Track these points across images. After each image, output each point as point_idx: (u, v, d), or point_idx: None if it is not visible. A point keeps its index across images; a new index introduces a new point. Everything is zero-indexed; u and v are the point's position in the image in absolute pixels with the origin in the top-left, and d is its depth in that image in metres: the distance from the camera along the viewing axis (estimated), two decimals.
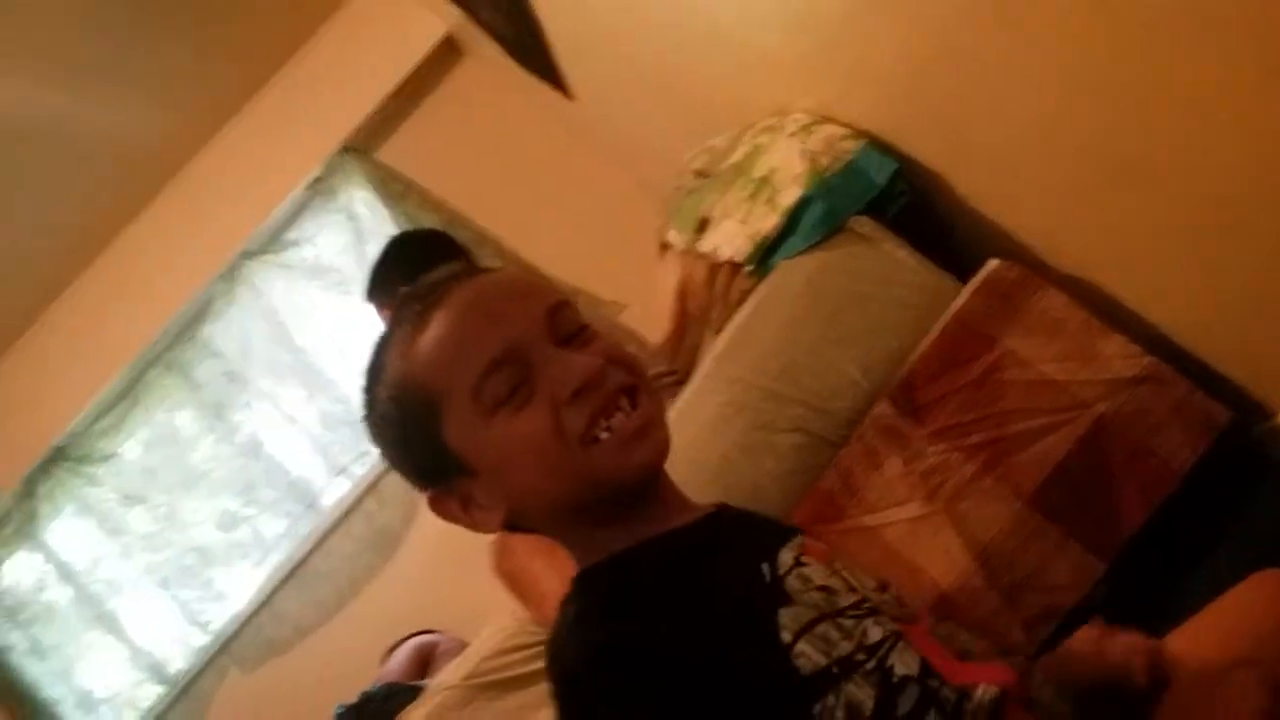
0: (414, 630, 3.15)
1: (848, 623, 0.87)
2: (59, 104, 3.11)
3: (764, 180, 1.81)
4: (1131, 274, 1.53)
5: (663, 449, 0.94)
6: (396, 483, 3.61)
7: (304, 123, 3.71)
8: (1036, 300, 1.55)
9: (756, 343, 1.73)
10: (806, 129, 1.81)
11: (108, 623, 3.69)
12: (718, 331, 1.87)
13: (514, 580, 1.72)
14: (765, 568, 0.91)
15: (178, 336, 3.82)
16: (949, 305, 1.62)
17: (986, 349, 1.57)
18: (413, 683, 2.56)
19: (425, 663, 2.96)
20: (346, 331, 3.64)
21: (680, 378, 2.00)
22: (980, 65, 1.41)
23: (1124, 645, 0.91)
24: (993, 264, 1.59)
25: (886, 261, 1.71)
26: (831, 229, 1.73)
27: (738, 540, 0.98)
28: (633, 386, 0.92)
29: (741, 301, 1.83)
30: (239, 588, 3.69)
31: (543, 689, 1.66)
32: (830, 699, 0.81)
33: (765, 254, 1.78)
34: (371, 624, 3.42)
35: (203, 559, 3.71)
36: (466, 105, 3.79)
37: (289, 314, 3.76)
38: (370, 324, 2.61)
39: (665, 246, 2.11)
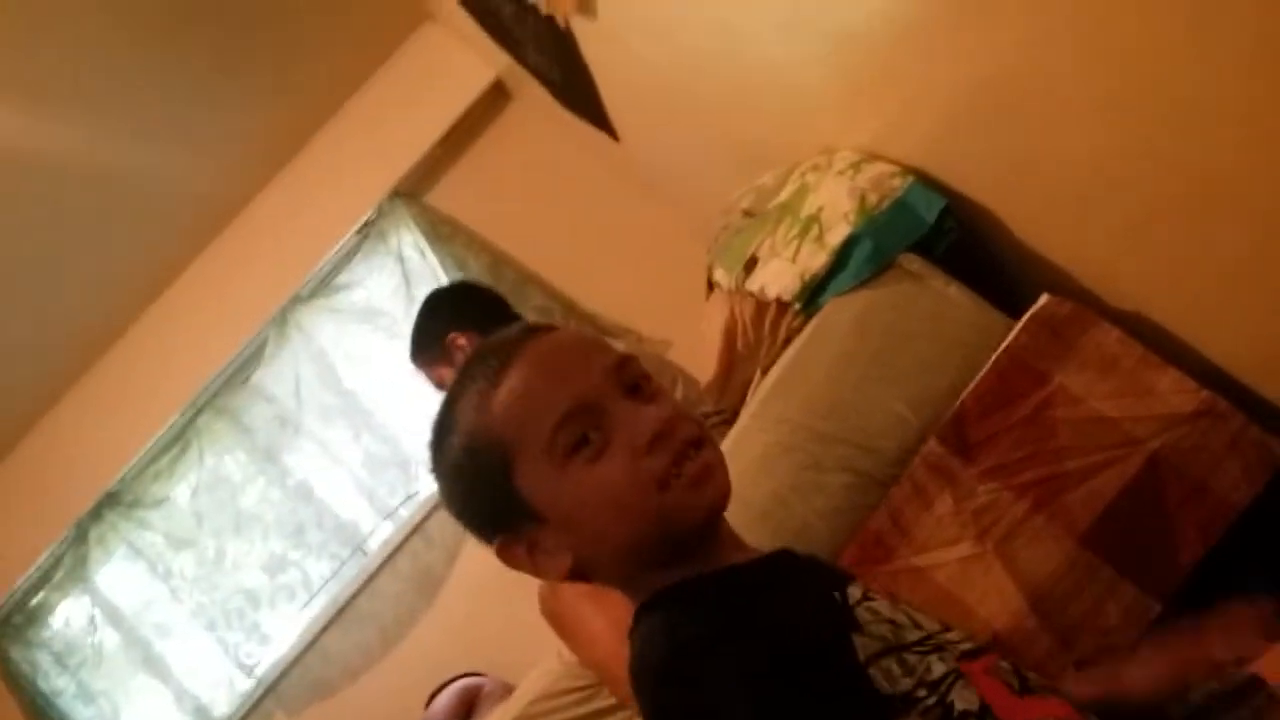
0: (459, 673, 3.14)
1: (912, 658, 0.88)
2: (113, 151, 3.19)
3: (812, 218, 1.81)
4: (1186, 307, 1.51)
5: (728, 489, 0.97)
6: (443, 524, 3.66)
7: (355, 168, 3.77)
8: (1089, 336, 1.54)
9: (804, 382, 1.72)
10: (855, 166, 1.81)
11: (155, 666, 3.70)
12: (765, 370, 1.87)
13: (561, 622, 1.71)
14: (837, 595, 0.93)
15: (229, 381, 3.86)
16: (999, 342, 1.61)
17: (1038, 385, 1.55)
18: None
19: (470, 706, 2.95)
20: (395, 374, 3.67)
21: (727, 417, 2.00)
22: (1031, 98, 1.41)
23: None
24: (1044, 299, 1.58)
25: (936, 299, 1.70)
26: (880, 267, 1.72)
27: (805, 574, 1.00)
28: (700, 438, 0.96)
29: (789, 340, 1.83)
30: (285, 631, 3.70)
31: None
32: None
33: (814, 293, 1.78)
34: (416, 666, 3.41)
35: (250, 601, 3.73)
36: (514, 148, 3.83)
37: (338, 357, 3.79)
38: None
39: (713, 285, 2.11)
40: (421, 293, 3.60)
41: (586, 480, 0.94)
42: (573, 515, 0.96)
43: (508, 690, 2.31)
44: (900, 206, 1.73)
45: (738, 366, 1.96)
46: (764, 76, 1.97)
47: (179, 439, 3.83)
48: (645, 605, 0.99)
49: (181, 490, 3.81)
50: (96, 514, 3.75)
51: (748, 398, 1.85)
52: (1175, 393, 1.47)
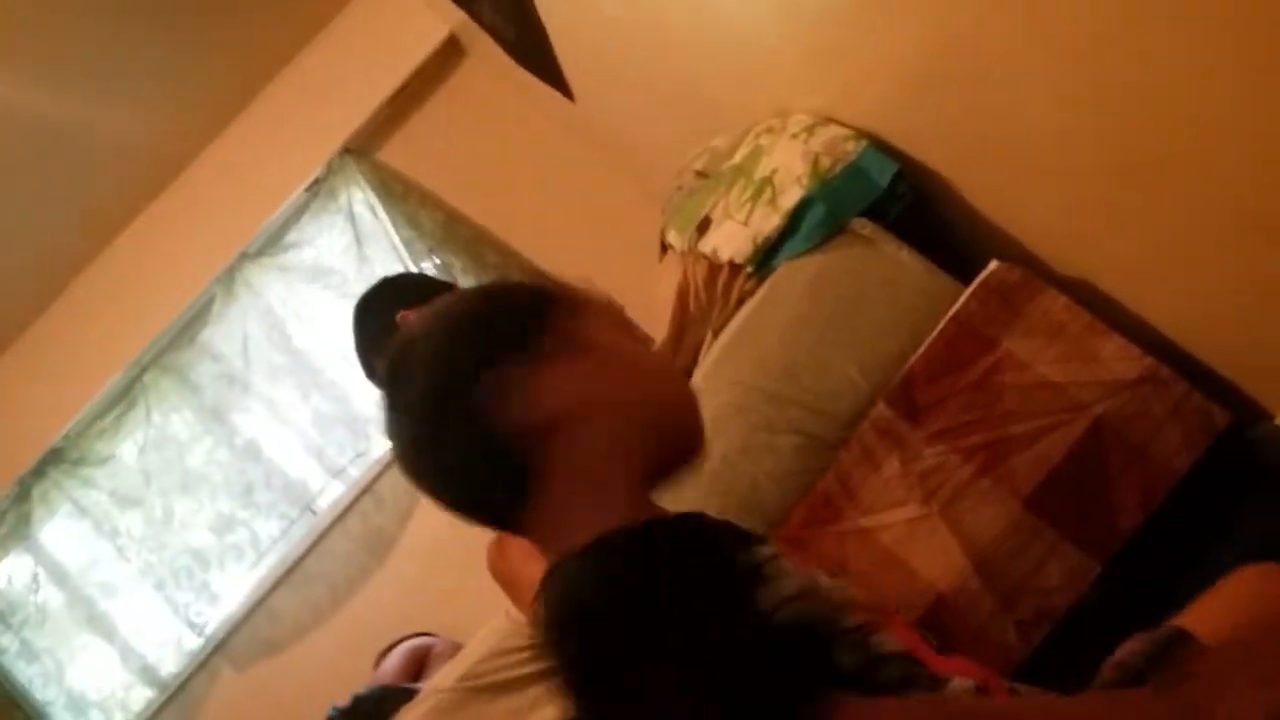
0: (409, 633, 3.14)
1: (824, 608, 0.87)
2: (58, 104, 3.12)
3: (765, 181, 1.81)
4: (1133, 276, 1.52)
5: None
6: (394, 484, 3.65)
7: (305, 124, 3.72)
8: (1037, 302, 1.55)
9: (756, 344, 1.73)
10: (809, 130, 1.81)
11: (100, 624, 3.67)
12: (717, 332, 1.87)
13: (509, 582, 1.71)
14: (743, 557, 0.90)
15: (175, 339, 3.81)
16: (950, 307, 1.62)
17: (986, 351, 1.57)
18: (406, 685, 2.55)
19: (420, 666, 2.95)
20: (345, 333, 3.63)
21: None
22: (986, 66, 1.41)
23: None
24: (994, 266, 1.59)
25: (887, 263, 1.70)
26: (833, 231, 1.72)
27: (722, 529, 0.96)
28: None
29: (741, 303, 1.83)
30: (234, 590, 3.68)
31: (537, 691, 1.66)
32: (813, 657, 0.81)
33: (766, 255, 1.78)
34: (366, 626, 3.42)
35: (198, 561, 3.69)
36: (468, 106, 3.79)
37: (287, 316, 3.75)
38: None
39: (666, 247, 2.11)
40: (372, 251, 3.58)
41: (637, 349, 1.03)
42: (598, 377, 0.96)
43: (457, 650, 2.31)
44: (853, 171, 1.73)
45: (690, 328, 1.96)
46: (720, 37, 1.96)
47: (125, 396, 3.78)
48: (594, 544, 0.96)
49: (128, 448, 3.77)
50: (40, 471, 3.71)
51: (699, 359, 1.85)
52: (1119, 359, 1.49)
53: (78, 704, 3.66)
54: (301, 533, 3.67)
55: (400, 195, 3.68)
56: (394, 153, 3.80)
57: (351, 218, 3.74)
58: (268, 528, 3.68)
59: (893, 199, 1.73)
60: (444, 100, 3.81)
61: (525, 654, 1.71)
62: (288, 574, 3.62)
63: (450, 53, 3.79)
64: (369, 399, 3.63)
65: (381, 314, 2.53)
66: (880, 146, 1.75)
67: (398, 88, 3.72)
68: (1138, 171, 1.32)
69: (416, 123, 3.81)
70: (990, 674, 0.90)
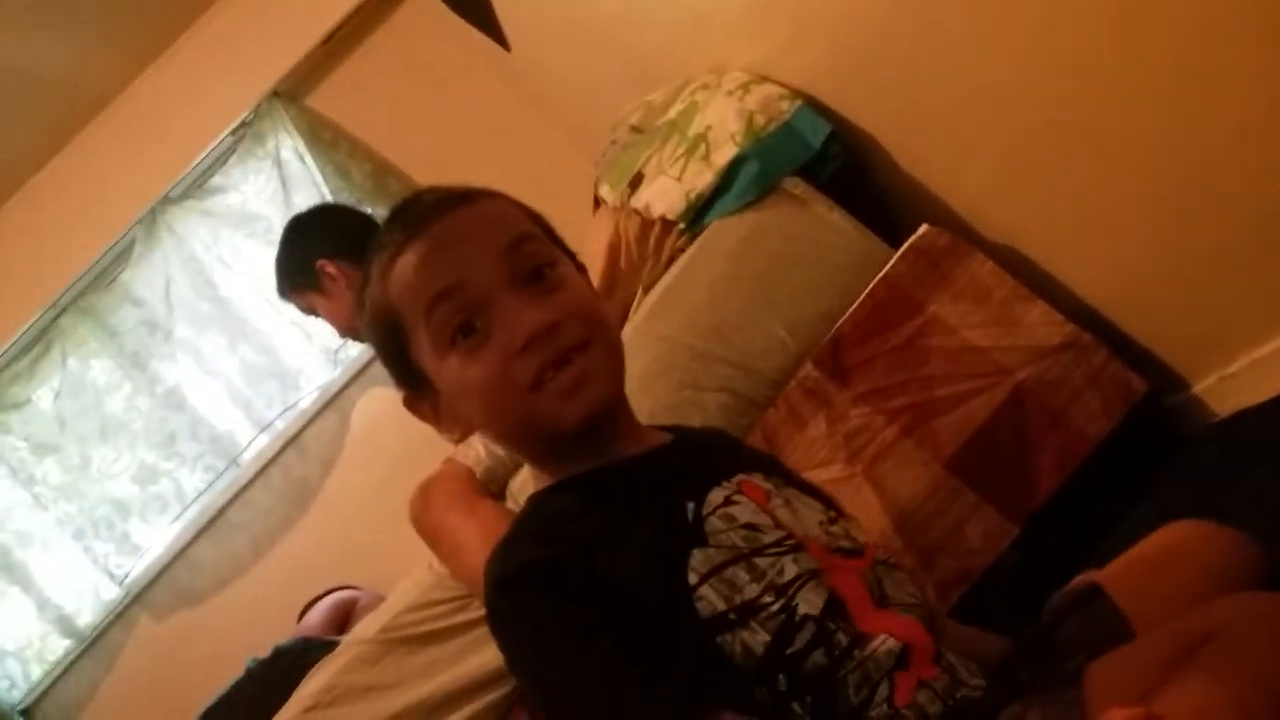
0: (333, 586, 3.11)
1: (763, 561, 0.89)
2: None
3: (699, 137, 1.80)
4: (1059, 243, 1.54)
5: (602, 399, 0.98)
6: (319, 436, 3.59)
7: (233, 65, 3.60)
8: (965, 267, 1.56)
9: (686, 301, 1.72)
10: (744, 87, 1.80)
11: (15, 574, 3.59)
12: (647, 289, 1.86)
13: (432, 534, 1.70)
14: (690, 506, 0.93)
15: (94, 282, 3.71)
16: (879, 269, 1.63)
17: (913, 314, 1.58)
18: (329, 638, 2.53)
19: (345, 619, 2.93)
20: (271, 282, 3.56)
21: None
22: (921, 31, 1.41)
23: None
24: (923, 230, 1.60)
25: (818, 224, 1.71)
26: (765, 189, 1.72)
27: (674, 476, 0.99)
28: (585, 341, 0.97)
29: (673, 259, 1.82)
30: (155, 541, 3.62)
31: (460, 644, 1.66)
32: (726, 637, 0.86)
33: (698, 212, 1.77)
34: (288, 578, 3.38)
35: (119, 512, 3.62)
36: (402, 53, 3.70)
37: (211, 262, 3.66)
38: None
39: (599, 201, 2.09)
40: (300, 199, 3.50)
41: (462, 372, 0.97)
42: (454, 398, 1.01)
43: (382, 603, 2.30)
44: (787, 130, 1.73)
45: (620, 284, 1.95)
46: None
47: (40, 339, 3.67)
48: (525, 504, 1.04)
49: (44, 394, 3.66)
50: None
51: (629, 315, 1.84)
52: (1042, 325, 1.51)
53: None
54: (225, 484, 3.61)
55: (329, 143, 3.59)
56: (324, 99, 3.70)
57: (279, 164, 3.64)
58: (192, 480, 3.61)
59: (825, 160, 1.73)
60: (378, 46, 3.72)
61: (448, 606, 1.70)
62: (209, 524, 3.57)
63: None
64: (298, 351, 3.58)
65: (307, 245, 2.51)
66: (815, 107, 1.75)
67: (330, 31, 3.62)
68: (1065, 141, 1.33)
69: (349, 68, 3.72)
70: (916, 635, 0.90)
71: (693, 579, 0.87)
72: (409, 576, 1.79)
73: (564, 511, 0.98)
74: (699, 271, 1.74)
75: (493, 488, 1.73)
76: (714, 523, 0.91)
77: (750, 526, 0.92)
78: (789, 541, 0.92)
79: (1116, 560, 1.04)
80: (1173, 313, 1.47)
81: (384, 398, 3.45)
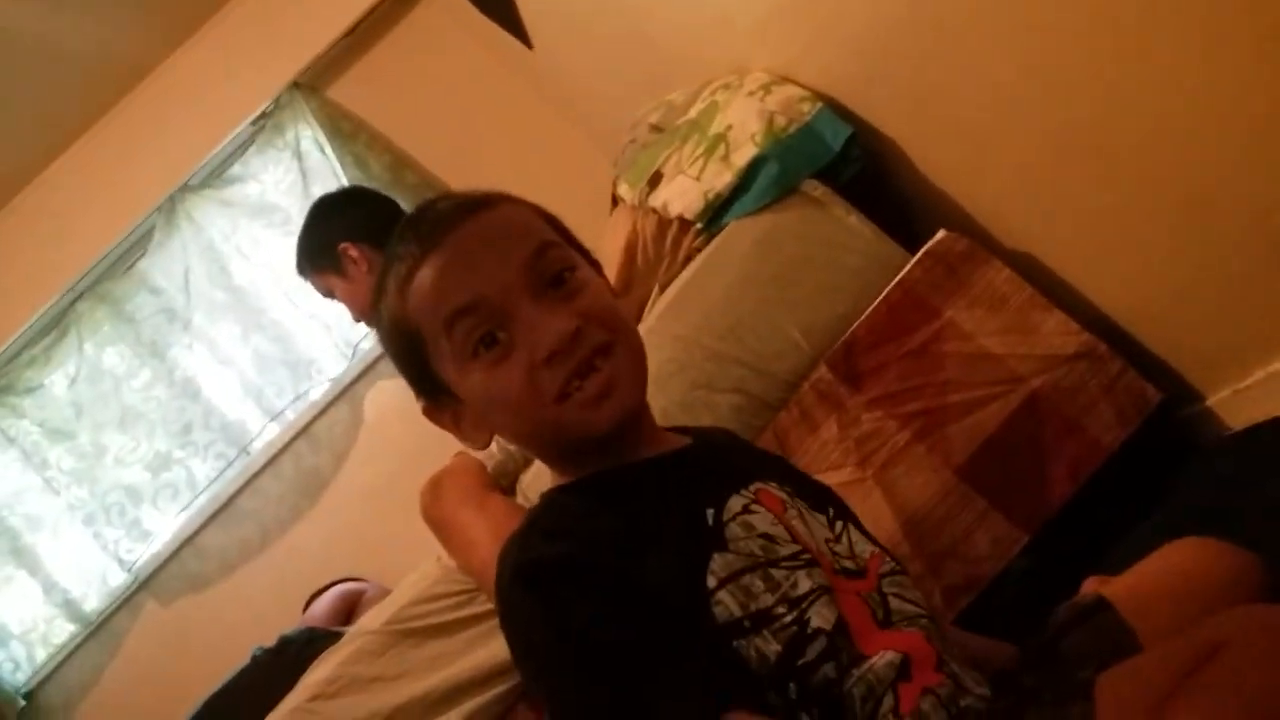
0: (339, 577, 3.12)
1: (778, 573, 0.89)
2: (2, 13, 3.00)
3: (719, 137, 1.80)
4: (1077, 253, 1.54)
5: (629, 405, 0.98)
6: (330, 427, 3.60)
7: (254, 56, 3.62)
8: (982, 273, 1.56)
9: (702, 301, 1.72)
10: (765, 88, 1.80)
11: (23, 557, 3.60)
12: (664, 288, 1.86)
13: (442, 527, 1.70)
14: (710, 512, 0.93)
15: (111, 268, 3.72)
16: (895, 274, 1.62)
17: (929, 319, 1.58)
18: (333, 628, 2.53)
19: (350, 610, 2.93)
20: (288, 273, 3.57)
21: None
22: (945, 36, 1.41)
23: None
24: (941, 235, 1.60)
25: (836, 227, 1.70)
26: (784, 190, 1.72)
27: (695, 480, 0.99)
28: (608, 345, 0.96)
29: (690, 259, 1.82)
30: (165, 527, 3.63)
31: (465, 638, 1.66)
32: (741, 643, 0.86)
33: (717, 212, 1.77)
34: (295, 568, 3.39)
35: (131, 497, 3.63)
36: (423, 47, 3.71)
37: (229, 251, 3.67)
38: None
39: (617, 200, 2.09)
40: (319, 190, 3.50)
41: (486, 383, 0.96)
42: (478, 408, 1.00)
43: (388, 596, 2.30)
44: (807, 132, 1.72)
45: (636, 282, 1.95)
46: None
47: (57, 324, 3.68)
48: (539, 500, 1.04)
49: (58, 379, 3.68)
50: None
51: (645, 314, 1.84)
52: (1058, 334, 1.50)
53: None
54: (235, 472, 3.62)
55: (349, 134, 3.60)
56: (345, 91, 3.72)
57: (298, 154, 3.66)
58: (204, 468, 3.62)
59: (845, 163, 1.73)
60: (400, 40, 3.73)
61: (454, 600, 1.70)
62: (218, 512, 3.58)
63: None
64: (312, 342, 3.59)
65: (331, 226, 2.51)
66: (836, 109, 1.74)
67: (353, 24, 3.64)
68: (1086, 151, 1.33)
69: (370, 61, 3.74)
70: (919, 647, 0.90)
71: (711, 583, 0.87)
72: (417, 569, 1.79)
73: (583, 509, 0.98)
74: (715, 272, 1.73)
75: (503, 482, 1.73)
76: (734, 529, 0.91)
77: (767, 537, 0.92)
78: (804, 556, 0.92)
79: (1122, 575, 1.04)
80: (1189, 324, 1.46)
81: (396, 391, 3.45)
